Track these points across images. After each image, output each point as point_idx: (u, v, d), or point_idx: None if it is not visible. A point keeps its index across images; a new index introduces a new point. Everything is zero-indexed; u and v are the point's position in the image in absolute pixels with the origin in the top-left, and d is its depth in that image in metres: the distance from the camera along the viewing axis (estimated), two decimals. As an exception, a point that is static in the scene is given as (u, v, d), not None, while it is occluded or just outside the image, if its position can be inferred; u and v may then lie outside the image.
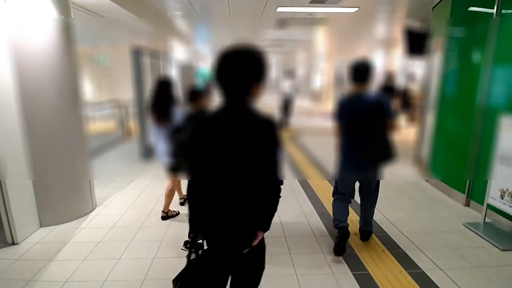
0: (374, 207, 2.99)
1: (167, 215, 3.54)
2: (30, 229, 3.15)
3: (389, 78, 6.56)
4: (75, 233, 3.19)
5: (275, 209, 1.52)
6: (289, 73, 9.85)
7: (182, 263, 2.66)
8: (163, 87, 3.26)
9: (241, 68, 1.36)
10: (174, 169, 3.11)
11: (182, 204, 3.86)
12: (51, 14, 3.10)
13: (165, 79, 3.45)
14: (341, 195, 2.90)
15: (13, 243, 2.96)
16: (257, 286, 1.77)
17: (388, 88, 6.33)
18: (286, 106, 9.03)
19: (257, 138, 1.35)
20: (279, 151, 1.39)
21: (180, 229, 3.28)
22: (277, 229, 3.26)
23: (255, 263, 1.70)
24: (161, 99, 3.22)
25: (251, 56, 1.39)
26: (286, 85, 9.31)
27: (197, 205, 1.51)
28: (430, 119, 4.88)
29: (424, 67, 5.96)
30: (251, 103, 1.38)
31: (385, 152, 2.75)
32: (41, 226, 3.28)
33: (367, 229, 3.03)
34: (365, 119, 2.58)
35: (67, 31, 3.28)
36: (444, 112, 4.43)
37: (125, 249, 2.91)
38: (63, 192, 3.38)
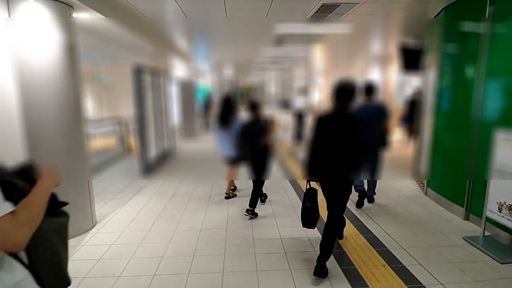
0: None
1: (229, 196, 4.65)
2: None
3: (418, 94, 6.60)
4: (75, 251, 3.19)
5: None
6: (302, 90, 10.07)
7: (182, 280, 2.67)
8: (226, 101, 4.32)
9: (350, 92, 2.63)
10: (234, 161, 4.35)
11: (227, 197, 4.65)
12: (56, 34, 3.20)
13: (228, 95, 4.47)
14: None
15: (13, 261, 2.94)
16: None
17: (414, 102, 6.41)
18: (300, 121, 9.19)
19: (352, 126, 2.61)
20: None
21: (180, 246, 3.28)
22: (277, 245, 3.26)
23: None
24: (225, 111, 4.28)
25: (353, 86, 2.65)
26: (299, 102, 9.48)
27: (315, 161, 2.72)
28: (427, 133, 4.94)
29: (419, 82, 6.07)
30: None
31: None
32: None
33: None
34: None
35: (71, 51, 3.38)
36: (440, 127, 4.50)
37: (125, 266, 2.90)
38: (66, 208, 3.38)
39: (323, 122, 2.72)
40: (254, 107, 3.96)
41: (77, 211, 3.52)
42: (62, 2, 3.22)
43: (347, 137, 2.62)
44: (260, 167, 3.92)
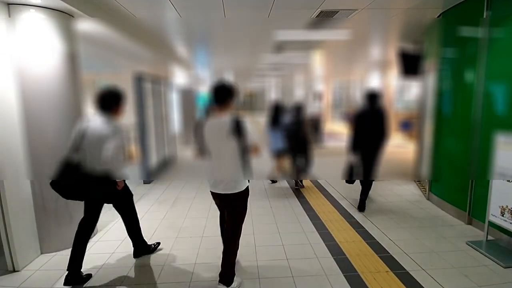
0: None
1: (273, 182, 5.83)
2: (31, 255, 3.13)
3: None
4: (76, 259, 3.17)
5: None
6: (318, 95, 10.07)
7: (183, 288, 2.65)
8: (276, 107, 5.72)
9: (377, 95, 4.10)
10: (282, 153, 5.56)
11: (272, 182, 5.83)
12: (57, 43, 3.22)
13: (276, 103, 5.88)
14: None
15: (14, 270, 2.93)
16: None
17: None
18: (316, 125, 9.16)
19: (382, 119, 4.06)
20: None
21: (181, 254, 3.26)
22: (279, 252, 3.24)
23: None
24: (275, 114, 5.64)
25: (378, 91, 4.16)
26: (316, 106, 9.46)
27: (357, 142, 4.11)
28: (427, 137, 4.94)
29: (419, 87, 6.08)
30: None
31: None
32: (42, 253, 3.26)
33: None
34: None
35: (72, 59, 3.40)
36: (441, 131, 4.50)
37: (126, 275, 2.89)
38: (63, 218, 3.38)
39: (361, 116, 4.19)
40: (298, 108, 5.36)
41: (78, 220, 3.50)
42: (63, 11, 3.25)
43: (378, 126, 4.08)
44: (304, 155, 5.34)
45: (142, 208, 4.60)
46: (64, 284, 2.69)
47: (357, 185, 4.43)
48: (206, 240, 3.55)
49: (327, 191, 5.23)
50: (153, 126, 6.65)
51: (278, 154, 5.62)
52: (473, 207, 3.76)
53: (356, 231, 3.68)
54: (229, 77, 15.24)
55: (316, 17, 4.41)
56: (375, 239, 3.45)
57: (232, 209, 2.60)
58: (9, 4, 2.97)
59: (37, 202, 3.20)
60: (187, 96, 10.65)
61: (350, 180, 4.30)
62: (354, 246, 3.30)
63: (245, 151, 2.48)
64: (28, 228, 3.12)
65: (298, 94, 17.76)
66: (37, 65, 3.12)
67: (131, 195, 3.16)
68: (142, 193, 5.36)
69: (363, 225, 3.84)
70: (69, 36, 3.37)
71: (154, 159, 6.61)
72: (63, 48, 3.28)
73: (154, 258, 3.18)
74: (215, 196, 2.65)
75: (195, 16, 4.46)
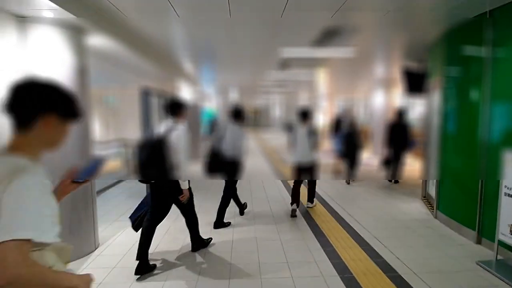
0: None
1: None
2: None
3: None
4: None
5: None
6: (345, 113, 10.19)
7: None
8: (338, 120, 7.64)
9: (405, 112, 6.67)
10: (342, 154, 6.83)
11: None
12: (68, 58, 3.28)
13: (339, 116, 7.84)
14: None
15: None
16: None
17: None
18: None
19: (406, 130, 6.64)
20: None
21: (184, 269, 3.20)
22: (283, 269, 3.16)
23: None
24: (336, 125, 7.56)
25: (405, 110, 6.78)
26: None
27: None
28: (434, 156, 4.90)
29: (424, 105, 6.09)
30: None
31: None
32: (42, 266, 3.20)
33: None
34: None
35: (82, 74, 3.45)
36: (447, 149, 4.46)
37: (127, 290, 2.82)
38: (66, 230, 3.34)
39: (393, 127, 6.23)
40: (352, 124, 7.04)
41: (80, 233, 3.47)
42: (74, 26, 3.32)
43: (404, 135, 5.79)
44: (353, 158, 6.85)
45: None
46: (135, 274, 3.07)
47: (365, 207, 4.35)
48: (210, 255, 3.48)
49: (332, 208, 5.15)
50: (158, 141, 6.67)
51: (340, 156, 7.06)
52: (482, 226, 3.67)
53: (362, 249, 3.59)
54: (234, 94, 15.37)
55: (321, 34, 4.48)
56: (382, 257, 3.36)
57: None
58: (22, 17, 3.05)
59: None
60: (193, 111, 10.74)
61: (386, 165, 6.81)
62: (361, 265, 3.22)
63: None
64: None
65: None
66: (48, 76, 3.16)
67: (192, 194, 3.62)
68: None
69: (369, 242, 3.75)
70: (80, 50, 3.44)
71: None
72: (74, 63, 3.33)
73: (155, 273, 3.11)
74: None
75: (201, 31, 4.55)
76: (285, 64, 7.19)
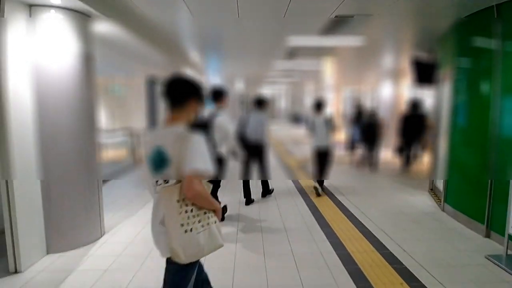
0: None
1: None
2: (36, 256, 3.09)
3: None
4: (81, 261, 3.13)
5: None
6: (355, 103, 10.06)
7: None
8: (360, 110, 8.16)
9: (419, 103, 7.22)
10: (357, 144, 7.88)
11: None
12: (74, 44, 3.24)
13: (360, 106, 8.47)
14: None
15: (16, 272, 2.87)
16: None
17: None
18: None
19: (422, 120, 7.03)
20: None
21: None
22: (288, 259, 3.15)
23: None
24: (358, 115, 8.13)
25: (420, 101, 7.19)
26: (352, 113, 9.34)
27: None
28: (443, 148, 4.81)
29: (433, 96, 5.97)
30: None
31: None
32: (48, 253, 3.23)
33: None
34: None
35: (88, 61, 3.42)
36: (456, 142, 4.37)
37: (131, 279, 2.82)
38: (73, 218, 3.35)
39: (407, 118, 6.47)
40: (373, 115, 7.81)
41: (86, 221, 3.48)
42: (81, 12, 3.27)
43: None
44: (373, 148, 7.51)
45: (149, 212, 4.54)
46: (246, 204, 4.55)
47: (371, 198, 4.28)
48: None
49: (338, 199, 5.11)
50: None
51: (355, 145, 7.95)
52: (492, 220, 3.60)
53: (368, 241, 3.56)
54: (240, 84, 15.27)
55: (331, 22, 4.37)
56: (389, 250, 3.32)
57: None
58: (30, 5, 3.01)
59: (46, 202, 3.17)
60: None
61: (400, 152, 7.39)
62: (367, 256, 3.19)
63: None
64: (35, 228, 3.09)
65: (308, 102, 17.74)
66: (54, 65, 3.14)
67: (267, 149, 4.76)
68: (150, 197, 5.31)
69: (375, 235, 3.71)
70: (86, 37, 3.39)
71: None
72: (80, 49, 3.29)
73: (161, 262, 3.10)
74: None
75: (209, 19, 4.47)
76: (292, 53, 7.08)
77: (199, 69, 9.94)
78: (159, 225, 1.71)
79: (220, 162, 4.04)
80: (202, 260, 3.07)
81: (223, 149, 4.16)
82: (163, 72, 6.96)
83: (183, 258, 1.63)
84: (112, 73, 7.34)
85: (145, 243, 3.53)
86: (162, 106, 6.45)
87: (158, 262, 3.10)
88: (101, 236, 3.67)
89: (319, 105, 5.42)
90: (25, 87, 2.97)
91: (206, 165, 1.60)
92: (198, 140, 1.62)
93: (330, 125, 5.41)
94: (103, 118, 7.16)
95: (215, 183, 4.41)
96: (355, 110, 8.48)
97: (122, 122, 7.79)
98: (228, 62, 9.10)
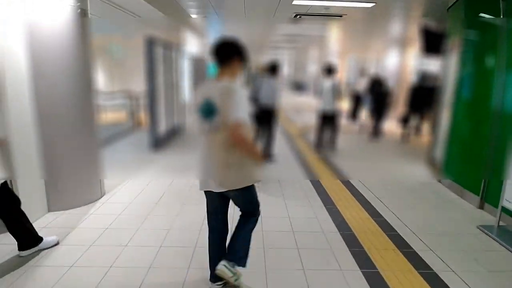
0: None
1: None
2: (37, 213, 3.16)
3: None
4: (82, 219, 3.20)
5: None
6: (363, 71, 9.61)
7: (188, 253, 2.66)
8: (376, 82, 7.67)
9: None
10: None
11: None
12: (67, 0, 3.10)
13: (377, 76, 8.06)
14: None
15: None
16: None
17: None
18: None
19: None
20: None
21: (187, 220, 3.26)
22: (285, 224, 3.22)
23: None
24: (373, 85, 7.63)
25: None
26: (362, 82, 8.93)
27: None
28: (445, 120, 4.77)
29: (439, 67, 5.83)
30: None
31: None
32: (49, 211, 3.29)
33: None
34: None
35: (82, 18, 3.28)
36: (459, 114, 4.32)
37: (132, 236, 2.90)
38: (72, 178, 3.38)
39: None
40: (384, 85, 7.58)
41: (86, 181, 3.52)
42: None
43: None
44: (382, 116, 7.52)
45: (149, 175, 4.61)
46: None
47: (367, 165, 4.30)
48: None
49: (336, 168, 5.15)
50: (163, 93, 6.55)
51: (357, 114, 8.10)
52: (487, 192, 3.65)
53: (364, 208, 3.62)
54: (242, 48, 14.87)
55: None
56: (383, 217, 3.39)
57: None
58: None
59: (46, 159, 3.19)
60: (199, 64, 10.44)
61: (404, 122, 7.22)
62: (362, 223, 3.26)
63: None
64: (35, 187, 3.13)
65: (312, 69, 17.35)
66: (47, 21, 3.01)
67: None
68: (149, 160, 5.36)
69: (371, 203, 3.77)
70: (80, -9, 3.23)
71: (163, 127, 6.57)
72: (74, 4, 3.15)
73: (161, 222, 3.18)
74: None
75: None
76: (297, 17, 6.80)
77: (200, 31, 9.62)
78: (211, 162, 2.04)
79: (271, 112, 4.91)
80: (200, 223, 3.15)
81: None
82: (162, 33, 6.74)
83: (237, 185, 2.02)
84: (109, 33, 7.10)
85: (144, 204, 3.61)
86: (161, 68, 6.31)
87: (158, 222, 3.18)
88: (101, 197, 3.73)
89: (329, 70, 5.70)
90: (18, 46, 2.87)
91: (246, 116, 1.88)
92: (242, 94, 1.91)
93: (337, 90, 5.67)
94: (102, 80, 7.04)
95: (272, 128, 5.08)
96: (369, 79, 8.38)
97: (121, 84, 7.67)
98: (230, 25, 8.79)
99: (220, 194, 2.08)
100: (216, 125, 1.91)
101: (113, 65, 7.87)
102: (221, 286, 2.23)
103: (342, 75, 15.63)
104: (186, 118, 8.80)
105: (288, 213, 3.45)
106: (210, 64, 13.12)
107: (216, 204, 2.22)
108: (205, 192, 2.19)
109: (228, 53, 1.97)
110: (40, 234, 2.89)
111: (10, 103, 2.74)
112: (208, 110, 1.93)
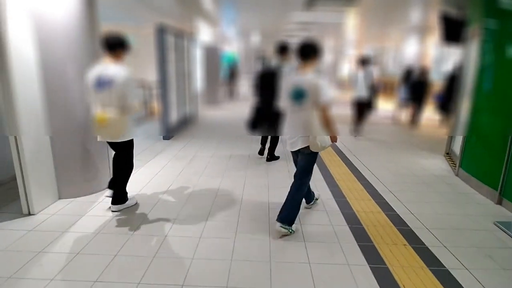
0: None
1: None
2: (48, 200, 3.21)
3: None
4: (91, 207, 3.23)
5: None
6: (373, 60, 9.39)
7: (193, 243, 2.65)
8: (409, 70, 8.39)
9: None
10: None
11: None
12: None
13: (410, 67, 8.61)
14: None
15: (29, 214, 3.01)
16: None
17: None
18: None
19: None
20: None
21: (194, 210, 3.25)
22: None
23: None
24: (408, 74, 8.36)
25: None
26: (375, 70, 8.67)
27: None
28: (464, 111, 4.56)
29: (459, 56, 5.58)
30: None
31: None
32: (59, 198, 3.34)
33: None
34: None
35: (90, 5, 3.25)
36: (479, 105, 4.12)
37: (139, 225, 2.91)
38: (83, 165, 3.41)
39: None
40: (423, 73, 7.91)
41: (96, 169, 3.55)
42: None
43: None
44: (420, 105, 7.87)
45: (159, 163, 4.63)
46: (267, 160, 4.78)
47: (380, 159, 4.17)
48: (220, 198, 3.52)
49: (348, 158, 5.03)
50: (175, 82, 6.53)
51: (404, 103, 8.22)
52: (505, 186, 3.48)
53: (375, 201, 3.52)
54: (256, 37, 14.67)
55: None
56: (395, 211, 3.29)
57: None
58: None
59: (56, 147, 3.22)
60: (212, 54, 10.37)
61: (443, 110, 7.40)
62: (372, 217, 3.17)
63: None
64: (45, 172, 3.17)
65: (327, 58, 16.99)
66: (55, 9, 3.00)
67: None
68: (160, 149, 5.38)
69: (383, 196, 3.67)
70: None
71: (174, 116, 6.57)
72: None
73: (168, 211, 3.18)
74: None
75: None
76: (311, 3, 6.62)
77: (213, 19, 9.51)
78: (302, 131, 2.65)
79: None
80: (207, 213, 3.12)
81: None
82: (174, 22, 6.68)
83: (319, 148, 2.62)
84: (119, 22, 7.09)
85: (153, 193, 3.62)
86: (173, 57, 6.27)
87: (165, 211, 3.19)
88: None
89: (363, 61, 6.54)
90: (26, 34, 2.87)
91: (330, 99, 2.59)
92: (325, 83, 2.61)
93: (369, 79, 6.46)
94: (115, 69, 7.05)
95: (274, 139, 4.93)
96: (404, 70, 8.81)
97: (135, 74, 7.68)
98: (243, 13, 8.65)
99: (297, 152, 2.82)
100: (305, 106, 2.60)
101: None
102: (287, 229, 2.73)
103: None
104: (198, 108, 8.78)
105: (296, 204, 3.38)
106: (224, 53, 12.98)
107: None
108: (292, 152, 2.95)
109: (310, 52, 2.66)
110: (49, 220, 2.95)
111: (20, 98, 2.77)
112: (298, 95, 2.62)
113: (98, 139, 2.99)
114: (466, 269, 2.39)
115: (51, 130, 3.15)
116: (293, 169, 3.02)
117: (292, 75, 2.78)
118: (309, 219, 3.10)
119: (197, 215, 3.13)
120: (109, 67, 2.77)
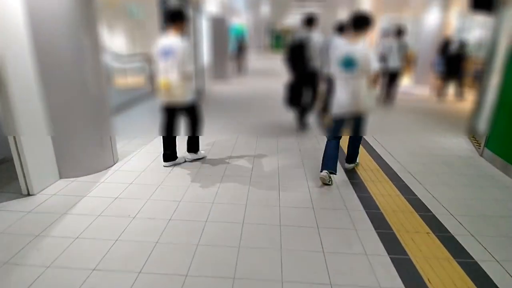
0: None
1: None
2: (48, 180, 3.07)
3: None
4: (93, 187, 3.08)
5: None
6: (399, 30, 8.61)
7: (197, 227, 2.48)
8: (448, 41, 8.01)
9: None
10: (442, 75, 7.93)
11: None
12: None
13: (449, 39, 8.25)
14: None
15: (29, 194, 2.88)
16: None
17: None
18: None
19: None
20: None
21: (200, 191, 3.07)
22: (304, 197, 2.95)
23: None
24: (445, 46, 7.98)
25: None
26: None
27: None
28: (492, 87, 4.19)
29: (489, 26, 5.11)
30: None
31: None
32: (60, 178, 3.20)
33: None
34: None
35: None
36: (510, 80, 3.74)
37: (141, 208, 2.75)
38: (84, 144, 3.24)
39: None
40: (462, 46, 7.77)
41: (97, 148, 3.38)
42: None
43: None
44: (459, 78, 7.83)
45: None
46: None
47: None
48: (227, 179, 3.32)
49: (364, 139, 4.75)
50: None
51: (440, 75, 7.90)
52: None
53: (393, 184, 3.28)
54: (266, 9, 13.99)
55: None
56: (416, 195, 3.05)
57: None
58: None
59: (54, 130, 3.03)
60: (219, 25, 9.89)
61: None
62: (391, 201, 2.94)
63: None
64: (44, 152, 3.01)
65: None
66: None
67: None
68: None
69: (402, 178, 3.42)
70: None
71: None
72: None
73: (172, 193, 3.01)
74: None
75: None
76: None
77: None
78: (350, 96, 2.98)
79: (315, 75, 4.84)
80: (213, 195, 2.94)
81: (317, 63, 4.74)
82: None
83: (371, 111, 3.09)
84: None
85: (157, 173, 3.45)
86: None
87: (169, 193, 3.02)
88: (114, 164, 3.60)
89: (399, 32, 6.65)
90: (17, 11, 2.62)
91: (378, 67, 2.92)
92: (373, 53, 2.94)
93: (403, 50, 6.67)
94: (122, 42, 6.77)
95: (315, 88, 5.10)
96: (442, 42, 8.41)
97: (143, 47, 7.37)
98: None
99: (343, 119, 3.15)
100: (356, 73, 2.88)
101: (134, 27, 7.55)
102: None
103: (373, 38, 14.55)
104: (205, 83, 8.48)
105: (308, 187, 3.18)
106: (232, 25, 12.42)
107: (343, 126, 3.24)
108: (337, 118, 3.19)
109: (362, 24, 2.90)
110: (49, 201, 2.84)
111: (10, 69, 2.55)
112: (349, 63, 2.89)
113: (164, 101, 3.42)
114: (497, 261, 2.17)
115: (48, 108, 2.95)
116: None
117: (343, 45, 3.05)
118: (322, 203, 2.89)
119: (203, 197, 2.95)
120: (171, 39, 3.19)
